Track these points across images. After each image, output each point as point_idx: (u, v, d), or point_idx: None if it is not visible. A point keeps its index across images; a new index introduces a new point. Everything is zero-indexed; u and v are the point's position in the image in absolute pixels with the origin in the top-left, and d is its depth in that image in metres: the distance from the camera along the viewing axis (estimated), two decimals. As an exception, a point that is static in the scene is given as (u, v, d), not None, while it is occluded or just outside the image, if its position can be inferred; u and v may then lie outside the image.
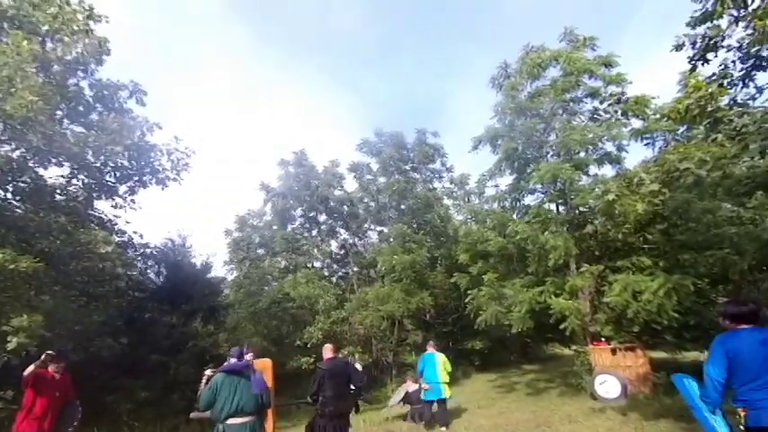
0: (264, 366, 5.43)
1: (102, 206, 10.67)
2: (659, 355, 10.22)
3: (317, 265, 18.49)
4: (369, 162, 18.08)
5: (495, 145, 11.39)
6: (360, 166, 18.08)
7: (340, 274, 19.41)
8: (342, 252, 19.27)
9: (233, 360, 4.31)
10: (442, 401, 7.68)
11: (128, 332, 11.82)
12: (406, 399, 9.01)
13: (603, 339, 8.96)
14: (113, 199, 10.45)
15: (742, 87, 4.99)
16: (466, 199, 18.50)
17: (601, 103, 10.57)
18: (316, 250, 17.91)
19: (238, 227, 18.16)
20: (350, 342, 15.06)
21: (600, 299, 9.05)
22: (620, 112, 10.10)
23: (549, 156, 10.67)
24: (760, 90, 4.97)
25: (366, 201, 18.18)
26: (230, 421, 3.81)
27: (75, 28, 8.80)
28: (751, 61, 4.77)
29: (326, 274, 18.53)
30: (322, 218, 18.87)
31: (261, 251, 18.05)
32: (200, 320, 12.89)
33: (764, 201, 7.53)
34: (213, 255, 22.52)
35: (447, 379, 7.78)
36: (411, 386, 9.02)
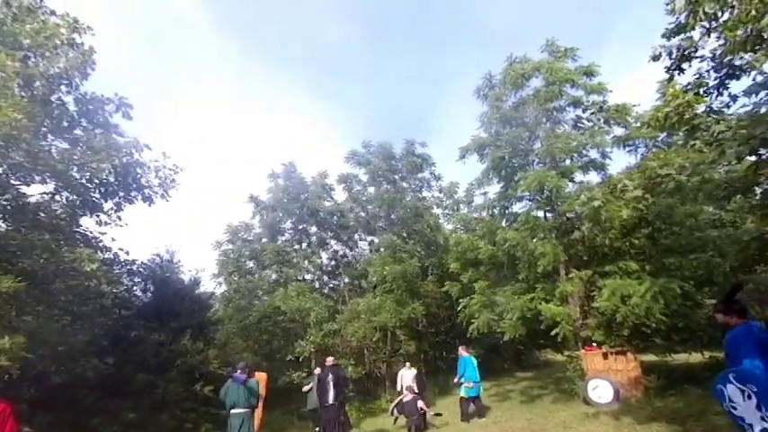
0: (260, 377, 7.07)
1: (87, 223, 10.47)
2: (649, 358, 10.32)
3: (308, 277, 18.31)
4: (357, 173, 18.15)
5: (482, 154, 11.57)
6: (349, 177, 18.11)
7: (331, 285, 19.25)
8: (333, 264, 19.15)
9: (237, 373, 6.50)
10: (478, 398, 9.19)
11: (114, 351, 11.49)
12: (401, 409, 8.94)
13: (595, 344, 9.04)
14: (98, 216, 10.25)
15: (717, 95, 5.18)
16: (455, 208, 18.61)
17: (583, 111, 10.86)
18: (306, 262, 17.76)
19: (229, 238, 17.91)
20: (342, 354, 14.89)
21: (590, 304, 9.16)
22: (602, 120, 10.40)
23: (535, 164, 10.85)
24: (734, 98, 5.16)
25: (356, 211, 18.14)
26: (232, 411, 6.31)
27: (59, 42, 8.69)
28: (724, 70, 4.97)
29: (317, 286, 18.36)
30: (312, 230, 18.76)
31: (251, 264, 17.82)
32: (189, 337, 12.59)
33: (743, 204, 7.76)
34: (202, 270, 22.13)
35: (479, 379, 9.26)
36: (407, 396, 8.97)
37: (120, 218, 10.55)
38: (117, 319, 12.06)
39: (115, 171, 9.31)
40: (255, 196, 17.97)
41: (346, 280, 18.36)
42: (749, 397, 3.41)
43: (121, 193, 10.07)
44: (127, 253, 11.33)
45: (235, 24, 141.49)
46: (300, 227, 18.45)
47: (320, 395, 8.34)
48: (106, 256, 10.61)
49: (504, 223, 11.47)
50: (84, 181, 9.31)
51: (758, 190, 5.26)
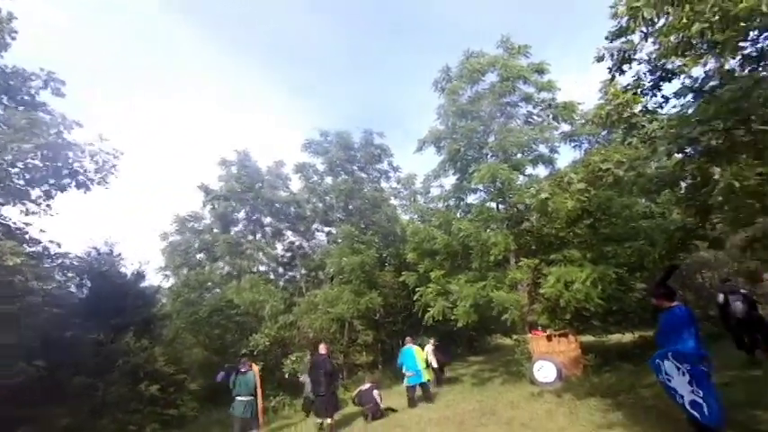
0: (255, 369, 8.03)
1: (11, 213, 9.41)
2: (588, 339, 11.12)
3: (263, 269, 17.85)
4: (315, 163, 17.82)
5: (438, 146, 11.76)
6: (306, 166, 17.74)
7: (287, 277, 18.90)
8: (289, 255, 18.78)
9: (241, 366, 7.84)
10: (424, 384, 9.31)
11: (45, 353, 10.52)
12: (358, 398, 9.01)
13: (540, 328, 9.60)
14: (24, 204, 9.26)
15: (652, 96, 5.60)
16: (412, 199, 18.87)
17: (534, 107, 11.33)
18: (261, 254, 17.27)
19: (177, 229, 16.91)
20: (298, 347, 14.71)
21: (536, 290, 9.68)
22: (551, 117, 10.91)
23: (488, 157, 11.20)
24: (666, 99, 5.61)
25: (313, 202, 17.84)
26: (237, 398, 7.53)
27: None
28: (658, 73, 5.38)
29: (273, 278, 17.95)
30: (267, 220, 18.25)
31: (201, 256, 17.01)
32: (133, 335, 11.83)
33: (671, 197, 8.50)
34: (146, 263, 20.78)
35: (424, 366, 9.50)
36: (363, 386, 9.07)
37: (50, 206, 9.61)
38: (48, 318, 11.03)
39: (41, 153, 8.42)
40: (206, 185, 17.12)
41: (303, 271, 18.08)
42: (683, 374, 3.82)
43: (51, 180, 9.16)
44: (59, 245, 10.36)
45: (189, 8, 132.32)
46: (255, 217, 17.88)
47: (313, 385, 8.65)
48: (33, 249, 9.63)
49: (459, 214, 11.79)
50: (5, 165, 8.34)
51: (683, 184, 5.76)
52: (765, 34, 4.11)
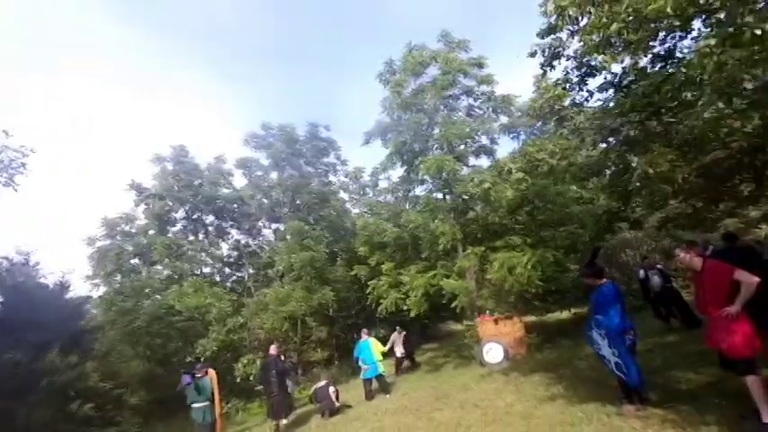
0: (211, 374, 7.81)
1: None
2: (530, 319, 11.86)
3: (207, 270, 16.90)
4: (258, 157, 17.13)
5: (385, 139, 11.80)
6: (248, 161, 17.00)
7: (234, 278, 18.09)
8: (235, 254, 17.96)
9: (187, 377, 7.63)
10: (380, 376, 9.28)
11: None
12: (314, 396, 8.92)
13: (487, 312, 10.06)
14: None
15: (578, 91, 6.01)
16: (361, 192, 18.85)
17: (475, 100, 11.71)
18: (204, 255, 16.33)
19: (106, 232, 15.38)
20: (250, 349, 14.21)
21: (483, 276, 10.11)
22: (490, 109, 11.35)
23: (434, 149, 11.43)
24: (591, 93, 6.05)
25: (258, 198, 17.15)
26: (193, 406, 7.46)
27: None
28: (584, 69, 5.78)
29: (218, 279, 17.08)
30: (209, 219, 17.27)
31: (135, 261, 15.68)
32: (58, 351, 10.74)
33: (598, 184, 9.26)
34: (70, 271, 18.90)
35: (381, 358, 9.44)
36: (319, 383, 8.99)
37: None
38: (-50, 340, 9.70)
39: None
40: (138, 183, 15.79)
41: (251, 271, 17.41)
42: (604, 338, 4.26)
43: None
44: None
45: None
46: (195, 216, 16.85)
47: (264, 386, 8.63)
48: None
49: (407, 206, 11.96)
50: None
51: (608, 172, 6.28)
52: (671, 35, 4.55)
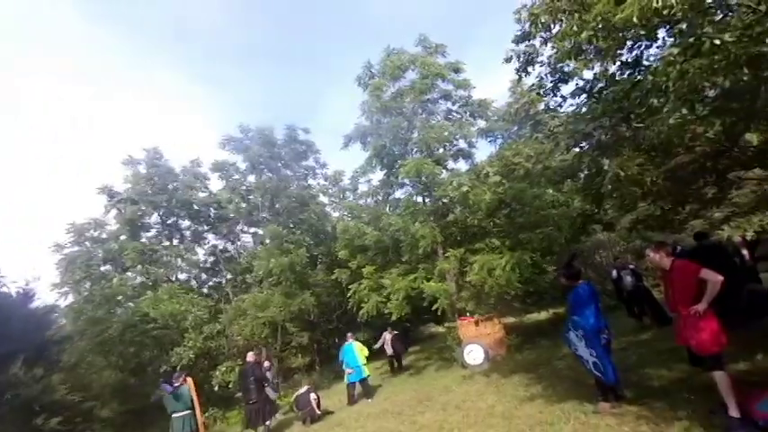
0: (189, 382, 7.70)
1: None
2: (510, 320, 12.05)
3: (183, 276, 16.43)
4: (235, 161, 16.83)
5: (364, 142, 11.81)
6: (225, 164, 16.68)
7: (211, 283, 17.64)
8: (212, 260, 17.54)
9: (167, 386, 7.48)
10: (364, 380, 9.24)
11: None
12: (296, 403, 8.78)
13: (468, 314, 10.16)
14: None
15: (552, 96, 6.17)
16: (341, 195, 18.74)
17: (453, 104, 11.87)
18: (179, 260, 15.88)
19: (74, 239, 14.73)
20: (228, 356, 13.88)
21: (463, 279, 10.21)
22: (468, 114, 11.52)
23: (413, 152, 11.50)
24: (564, 98, 6.22)
25: (236, 202, 16.82)
26: (173, 416, 7.29)
27: None
28: (557, 75, 5.93)
29: (195, 285, 16.64)
30: (184, 224, 16.82)
31: (107, 268, 15.07)
32: (22, 364, 10.22)
33: (573, 187, 9.51)
34: (35, 279, 17.98)
35: (365, 362, 9.40)
36: (300, 389, 8.88)
37: None
38: None
39: None
40: (109, 187, 15.23)
41: (228, 276, 17.05)
42: (580, 339, 4.36)
43: None
44: None
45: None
46: (170, 221, 16.38)
47: (243, 393, 8.57)
48: None
49: (387, 209, 11.98)
50: None
51: (581, 175, 6.46)
52: (638, 44, 4.73)
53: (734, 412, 3.28)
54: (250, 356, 8.65)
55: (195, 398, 7.67)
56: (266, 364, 9.99)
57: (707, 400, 3.75)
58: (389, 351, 11.85)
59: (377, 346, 11.82)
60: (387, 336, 11.92)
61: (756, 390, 3.52)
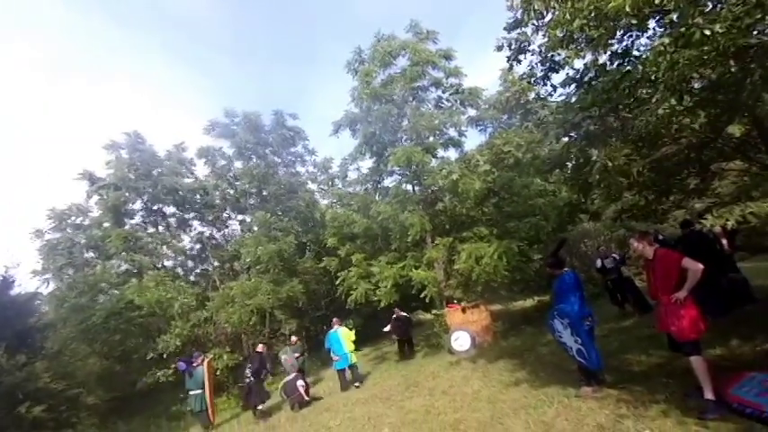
0: (206, 366, 8.66)
1: None
2: (496, 307, 12.25)
3: (169, 264, 16.19)
4: (222, 146, 16.51)
5: (354, 129, 11.69)
6: (211, 150, 16.35)
7: (198, 271, 17.44)
8: (198, 247, 17.31)
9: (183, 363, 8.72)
10: (352, 366, 9.28)
11: None
12: (284, 389, 8.85)
13: (455, 301, 10.29)
14: None
15: (543, 85, 6.16)
16: (330, 183, 18.60)
17: (443, 92, 11.79)
18: (165, 248, 15.62)
19: (55, 225, 14.35)
20: (216, 343, 13.83)
21: (451, 267, 10.31)
22: (458, 102, 11.46)
23: (403, 140, 11.45)
24: (554, 88, 6.22)
25: (222, 188, 16.56)
26: (189, 393, 8.46)
27: None
28: (548, 64, 5.92)
29: (181, 273, 16.43)
30: (170, 210, 16.49)
31: (90, 255, 14.76)
32: (4, 351, 10.03)
33: (561, 177, 9.61)
34: (16, 265, 17.55)
35: (352, 348, 9.39)
36: (288, 376, 8.93)
37: None
38: None
39: None
40: (90, 172, 14.83)
41: (216, 264, 16.87)
42: (566, 327, 4.46)
43: None
44: None
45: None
46: (155, 207, 16.04)
47: (254, 375, 9.21)
48: None
49: (377, 197, 11.94)
50: None
51: (569, 165, 6.51)
52: (629, 34, 4.74)
53: (709, 395, 3.41)
54: (260, 348, 9.67)
55: (207, 379, 8.55)
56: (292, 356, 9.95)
57: (684, 384, 3.89)
58: (398, 334, 11.13)
59: (386, 329, 11.33)
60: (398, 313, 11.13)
61: (731, 374, 3.66)
